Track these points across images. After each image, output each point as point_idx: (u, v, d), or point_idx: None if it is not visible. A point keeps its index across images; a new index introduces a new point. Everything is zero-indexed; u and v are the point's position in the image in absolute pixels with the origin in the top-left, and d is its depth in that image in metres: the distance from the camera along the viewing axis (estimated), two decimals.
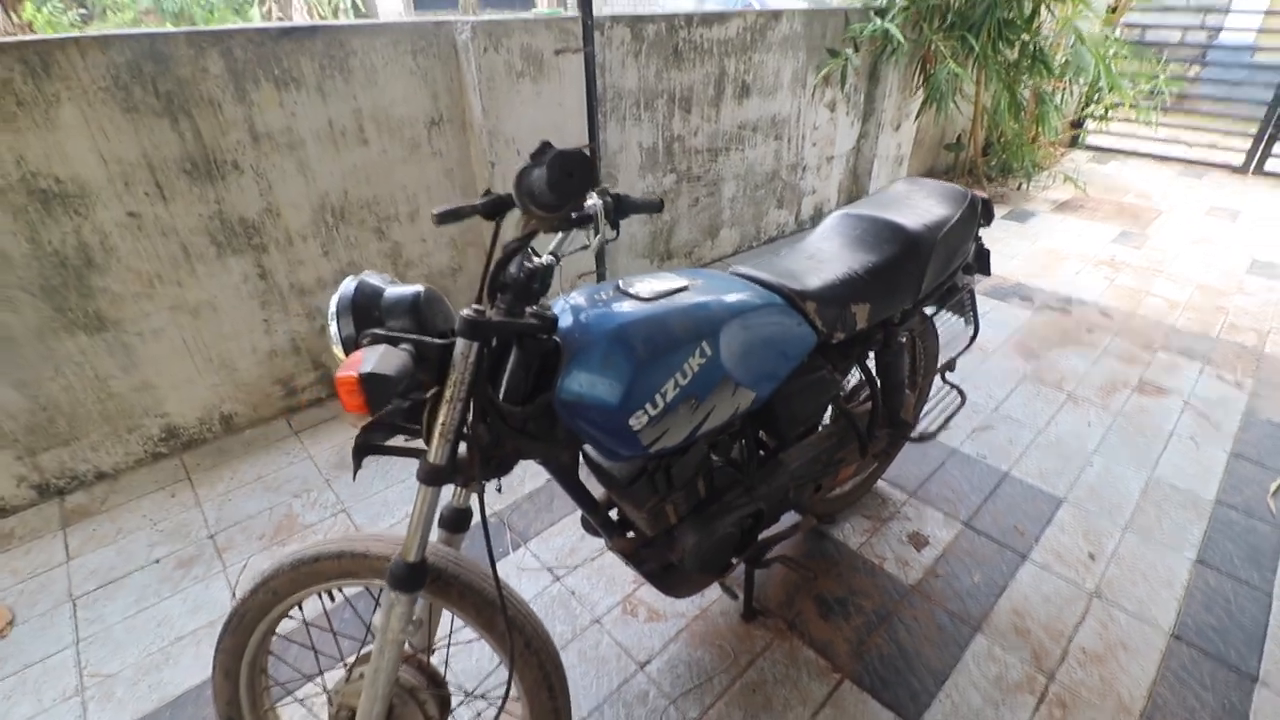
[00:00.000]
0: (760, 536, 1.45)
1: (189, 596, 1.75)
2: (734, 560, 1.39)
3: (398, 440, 0.95)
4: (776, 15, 3.36)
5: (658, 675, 1.52)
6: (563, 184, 0.77)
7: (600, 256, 2.98)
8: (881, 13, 3.76)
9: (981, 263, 1.67)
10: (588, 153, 0.91)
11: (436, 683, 1.13)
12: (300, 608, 1.12)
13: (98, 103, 1.77)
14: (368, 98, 2.20)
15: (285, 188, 2.16)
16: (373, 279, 0.97)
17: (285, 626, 1.51)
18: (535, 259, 0.94)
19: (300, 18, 12.69)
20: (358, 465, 0.93)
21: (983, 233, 3.32)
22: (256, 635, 1.11)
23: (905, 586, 1.73)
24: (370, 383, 0.75)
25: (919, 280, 1.42)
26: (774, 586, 1.73)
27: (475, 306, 0.88)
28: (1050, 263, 3.72)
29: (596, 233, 1.13)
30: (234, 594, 1.76)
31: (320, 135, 2.16)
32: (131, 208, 1.92)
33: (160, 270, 2.04)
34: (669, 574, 1.31)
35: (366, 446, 0.93)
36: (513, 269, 0.88)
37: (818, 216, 4.27)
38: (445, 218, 0.90)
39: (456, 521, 1.06)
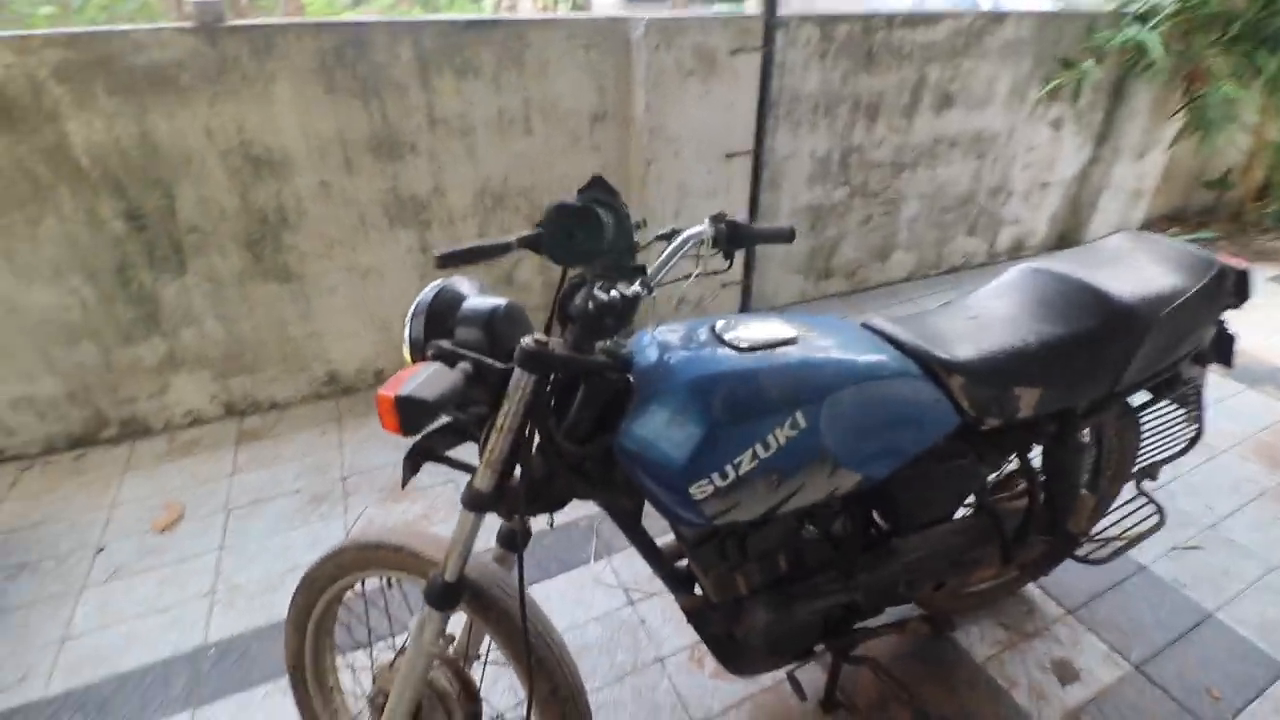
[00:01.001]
0: (855, 625, 1.25)
1: (312, 531, 1.93)
2: (815, 649, 1.21)
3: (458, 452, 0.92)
4: (1000, 18, 2.92)
5: None
6: (563, 246, 0.68)
7: (749, 268, 2.83)
8: (1142, 19, 3.12)
9: (1222, 351, 1.29)
10: (609, 207, 0.80)
11: (470, 693, 1.10)
12: (363, 583, 1.15)
13: (306, 82, 1.98)
14: (538, 89, 2.24)
15: (454, 170, 2.28)
16: (460, 286, 0.93)
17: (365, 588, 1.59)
18: (614, 291, 0.84)
19: (528, 9, 13.74)
20: (410, 473, 0.90)
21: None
22: (324, 600, 1.15)
23: None
24: (406, 406, 0.71)
25: (1120, 366, 1.11)
26: (866, 679, 1.50)
27: (538, 337, 0.81)
28: None
29: (698, 268, 1.01)
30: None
31: (490, 123, 2.24)
32: (324, 177, 2.14)
33: (340, 235, 2.25)
34: (732, 646, 1.17)
35: (423, 453, 0.90)
36: (579, 300, 0.80)
37: (1017, 250, 3.71)
38: (451, 260, 0.79)
39: (511, 539, 1.02)
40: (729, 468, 0.83)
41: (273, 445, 2.33)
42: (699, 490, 0.83)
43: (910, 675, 1.52)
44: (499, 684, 1.49)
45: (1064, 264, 1.20)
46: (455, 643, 1.11)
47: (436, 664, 1.05)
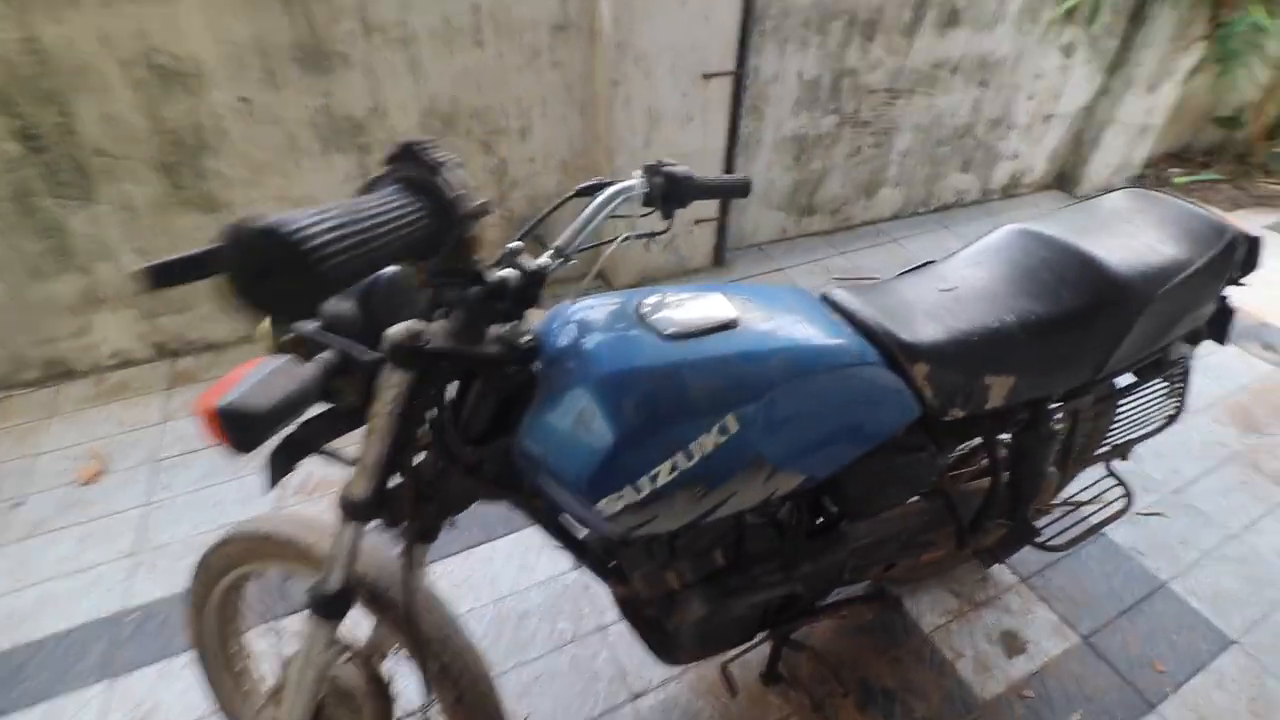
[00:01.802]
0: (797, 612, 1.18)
1: (243, 486, 1.83)
2: (752, 638, 1.15)
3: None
4: None
5: (647, 713, 1.35)
6: (253, 291, 0.43)
7: (725, 205, 2.63)
8: None
9: (1218, 329, 1.17)
10: (303, 237, 0.43)
11: (380, 690, 1.03)
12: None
13: None
14: None
15: (394, 87, 2.03)
16: None
17: None
18: (509, 268, 0.69)
19: None
20: (278, 473, 0.78)
21: None
22: (220, 589, 1.06)
23: (976, 700, 1.40)
24: (233, 421, 0.57)
25: (1109, 349, 0.99)
26: (808, 651, 1.47)
27: (412, 324, 0.66)
28: None
29: (629, 230, 0.86)
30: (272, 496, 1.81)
31: (434, 32, 1.98)
32: (243, 93, 1.89)
33: (269, 160, 2.03)
34: (664, 638, 1.10)
35: (297, 448, 0.77)
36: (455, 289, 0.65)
37: (1012, 187, 3.51)
38: (162, 276, 0.54)
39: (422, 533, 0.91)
40: (644, 480, 0.71)
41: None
42: (608, 505, 0.72)
43: (856, 647, 1.49)
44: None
45: (1056, 226, 1.06)
46: (369, 636, 1.03)
47: (344, 660, 0.97)
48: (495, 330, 0.70)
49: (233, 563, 1.01)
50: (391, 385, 0.67)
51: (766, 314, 0.83)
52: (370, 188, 0.55)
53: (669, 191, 0.88)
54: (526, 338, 0.72)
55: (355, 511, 0.74)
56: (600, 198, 0.84)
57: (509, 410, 0.76)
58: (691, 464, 0.72)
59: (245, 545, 0.98)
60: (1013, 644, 1.51)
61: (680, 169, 0.88)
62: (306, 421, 0.78)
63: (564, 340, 0.76)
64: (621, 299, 0.83)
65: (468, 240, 0.59)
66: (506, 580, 1.59)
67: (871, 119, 2.84)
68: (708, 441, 0.72)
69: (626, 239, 0.89)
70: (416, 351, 0.65)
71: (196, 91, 1.85)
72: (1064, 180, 3.62)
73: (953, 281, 1.03)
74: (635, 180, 0.87)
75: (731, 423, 0.73)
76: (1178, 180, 3.64)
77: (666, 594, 1.02)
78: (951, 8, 2.68)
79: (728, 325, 0.78)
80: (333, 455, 0.80)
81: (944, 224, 3.25)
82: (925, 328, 0.92)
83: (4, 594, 1.56)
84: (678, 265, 2.74)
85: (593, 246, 0.86)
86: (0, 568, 1.64)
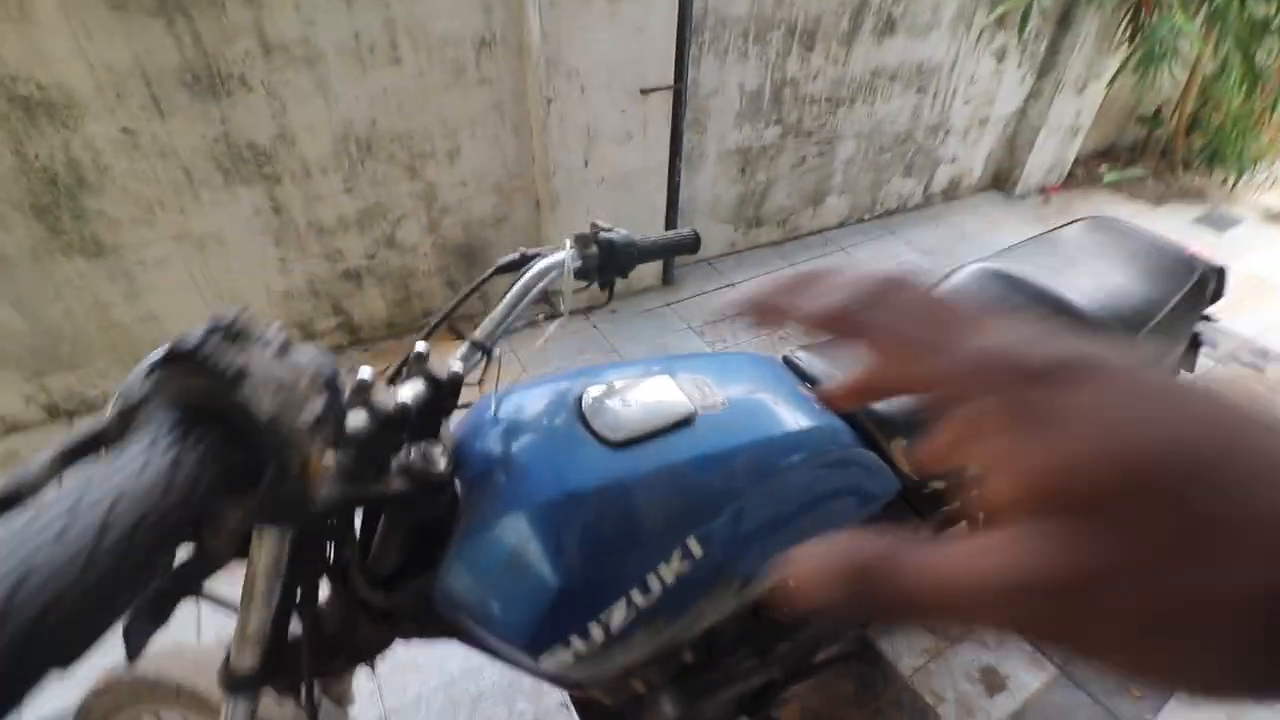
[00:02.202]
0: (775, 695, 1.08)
1: None
2: None
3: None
4: None
5: None
6: None
7: (671, 220, 2.53)
8: None
9: (1189, 360, 1.13)
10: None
11: None
12: None
13: None
14: (402, 6, 1.80)
15: (302, 110, 1.84)
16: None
17: None
18: (413, 379, 0.56)
19: None
20: (137, 644, 0.62)
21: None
22: None
23: None
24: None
25: None
26: (791, 712, 1.38)
27: None
28: (1249, 294, 2.89)
29: (563, 307, 0.73)
30: None
31: (343, 50, 1.80)
32: (125, 123, 1.67)
33: (160, 196, 1.81)
34: None
35: (153, 614, 0.61)
36: (355, 418, 0.50)
37: (952, 190, 3.54)
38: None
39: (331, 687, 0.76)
40: (594, 626, 0.59)
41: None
42: (554, 659, 0.59)
43: (836, 698, 1.41)
44: None
45: (1022, 263, 0.99)
46: None
47: None
48: (400, 459, 0.57)
49: (119, 706, 0.85)
50: (267, 543, 0.53)
51: (724, 398, 0.72)
52: (117, 432, 0.33)
53: (606, 261, 0.76)
54: (441, 462, 0.58)
55: (238, 684, 0.59)
56: (524, 277, 0.72)
57: (427, 540, 0.63)
58: (651, 598, 0.61)
59: (128, 690, 0.82)
60: (993, 681, 1.45)
61: (619, 234, 0.76)
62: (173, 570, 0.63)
63: (492, 448, 0.63)
64: (558, 387, 0.70)
65: (303, 467, 0.37)
66: (456, 661, 1.44)
67: (814, 128, 2.79)
68: (667, 571, 0.61)
69: (556, 319, 0.76)
70: (302, 504, 0.51)
71: (70, 124, 1.62)
72: (1000, 181, 3.67)
73: None
74: (565, 253, 0.74)
75: (694, 545, 0.62)
76: (1108, 178, 3.75)
77: (633, 700, 0.90)
78: (888, 15, 2.65)
79: (683, 422, 0.67)
80: (215, 600, 0.65)
81: (890, 229, 3.24)
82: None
83: None
84: (624, 286, 2.62)
85: (522, 326, 0.73)
86: None
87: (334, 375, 0.39)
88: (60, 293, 1.84)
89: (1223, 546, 0.14)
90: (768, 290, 0.24)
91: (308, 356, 0.37)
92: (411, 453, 0.57)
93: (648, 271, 2.63)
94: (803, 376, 0.84)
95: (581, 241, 0.75)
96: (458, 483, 0.62)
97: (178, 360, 0.32)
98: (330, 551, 0.60)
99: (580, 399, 0.67)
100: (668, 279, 2.73)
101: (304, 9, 1.70)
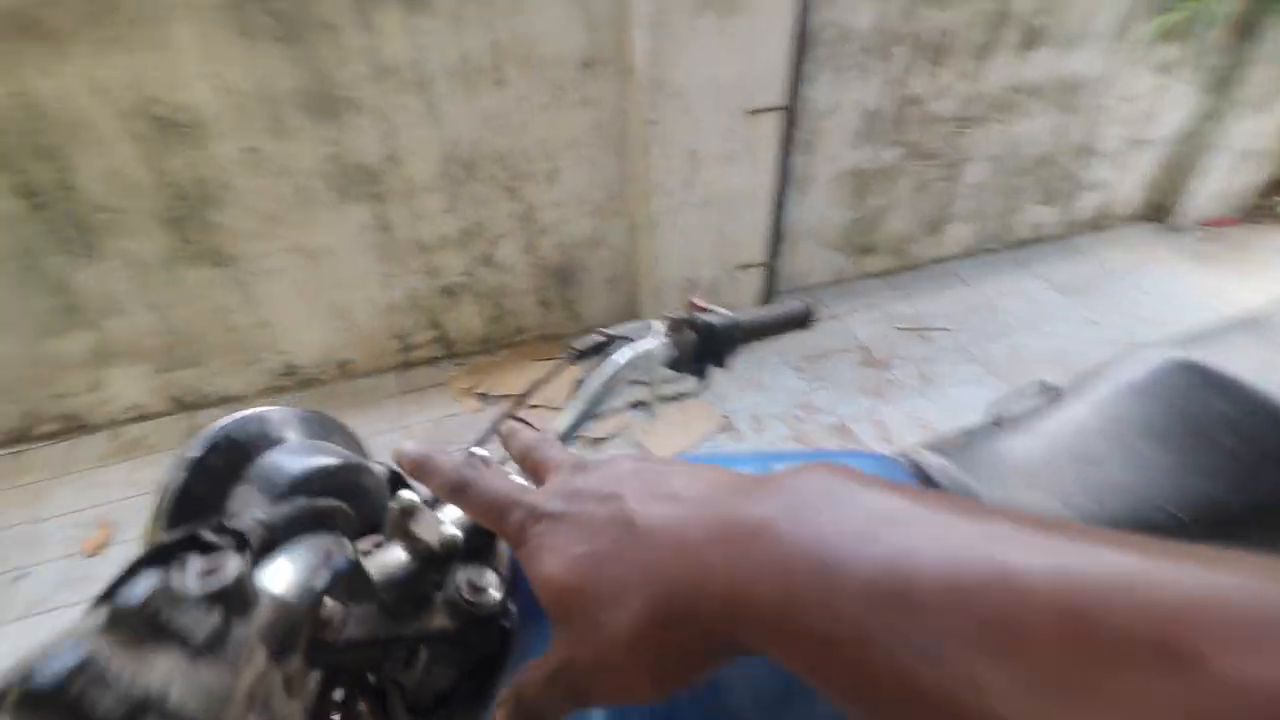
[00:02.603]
0: None
1: None
2: None
3: None
4: None
5: None
6: None
7: (776, 247, 2.38)
8: None
9: None
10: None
11: None
12: None
13: (211, 24, 1.57)
14: (509, 29, 1.79)
15: (410, 132, 1.87)
16: (278, 422, 0.56)
17: None
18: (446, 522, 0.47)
19: None
20: None
21: None
22: None
23: None
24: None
25: None
26: None
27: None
28: None
29: (651, 395, 0.63)
30: None
31: (452, 73, 1.81)
32: (249, 143, 1.76)
33: (279, 211, 1.90)
34: None
35: None
36: (377, 567, 0.42)
37: (1098, 220, 3.14)
38: None
39: None
40: None
41: None
42: None
43: None
44: None
45: (1234, 356, 0.76)
46: None
47: None
48: (446, 590, 0.48)
49: None
50: (297, 683, 0.46)
51: None
52: None
53: (704, 349, 0.64)
54: (493, 593, 0.49)
55: None
56: (605, 371, 0.60)
57: (476, 670, 0.54)
58: None
59: None
60: None
61: (719, 316, 0.64)
62: None
63: None
64: None
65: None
66: None
67: (939, 150, 2.55)
68: None
69: (644, 409, 0.65)
70: (323, 647, 0.43)
71: (199, 143, 1.72)
72: (1156, 211, 3.22)
73: (1088, 445, 0.75)
74: (655, 341, 0.62)
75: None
76: None
77: None
78: (1031, 27, 2.37)
79: None
80: None
81: (1021, 262, 2.91)
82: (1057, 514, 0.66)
83: None
84: None
85: (611, 411, 0.63)
86: (2, 649, 1.53)
87: (341, 573, 0.31)
88: (187, 297, 1.97)
89: (606, 636, 0.23)
90: (424, 454, 0.33)
91: (286, 583, 0.28)
92: (459, 580, 0.48)
93: (743, 298, 2.49)
94: (928, 484, 0.69)
95: (675, 326, 0.62)
96: (513, 609, 0.54)
97: (32, 708, 0.19)
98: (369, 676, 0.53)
99: None
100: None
101: (415, 33, 1.72)
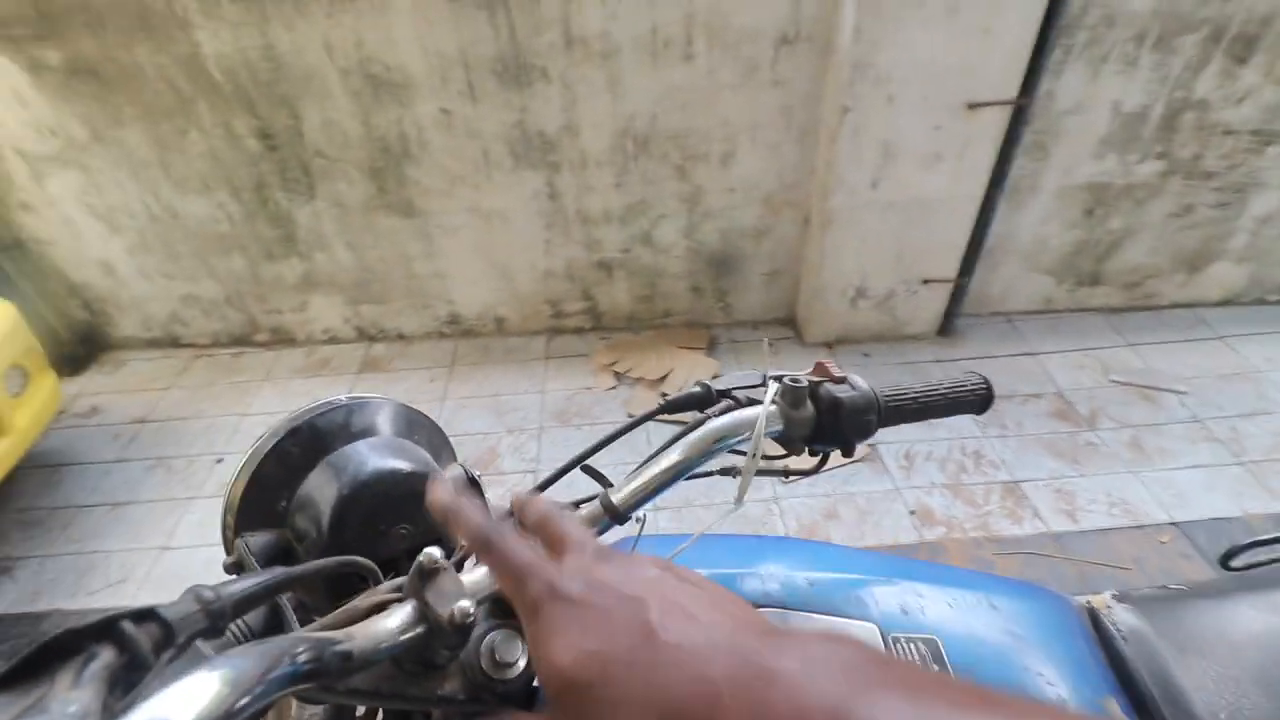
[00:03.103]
0: None
1: None
2: None
3: None
4: None
5: None
6: None
7: (970, 260, 2.06)
8: None
9: None
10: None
11: None
12: None
13: None
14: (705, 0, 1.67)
15: (590, 104, 1.85)
16: (372, 411, 0.54)
17: None
18: None
19: None
20: None
21: None
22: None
23: None
24: None
25: None
26: None
27: (321, 638, 0.41)
28: None
29: (751, 462, 0.50)
30: None
31: (639, 44, 1.75)
32: (445, 104, 1.85)
33: (463, 171, 1.99)
34: None
35: None
36: (398, 616, 0.37)
37: None
38: None
39: None
40: None
41: (386, 380, 2.29)
42: None
43: None
44: None
45: None
46: None
47: None
48: (465, 654, 0.42)
49: None
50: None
51: (980, 683, 0.44)
52: None
53: (827, 428, 0.49)
54: (519, 662, 0.42)
55: None
56: (697, 437, 0.48)
57: None
58: None
59: None
60: None
61: (854, 390, 0.49)
62: None
63: None
64: (724, 565, 0.50)
65: None
66: None
67: (1220, 168, 2.01)
68: None
69: (737, 480, 0.53)
70: (326, 689, 0.39)
71: (405, 102, 1.85)
72: None
73: None
74: (762, 409, 0.48)
75: None
76: None
77: None
78: None
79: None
80: None
81: None
82: None
83: (184, 548, 1.75)
84: (890, 327, 2.24)
85: (704, 474, 0.53)
86: (189, 522, 1.83)
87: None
88: (379, 241, 2.16)
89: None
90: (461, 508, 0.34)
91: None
92: (484, 647, 0.42)
93: (920, 316, 2.20)
94: (1106, 645, 0.50)
95: (791, 396, 0.49)
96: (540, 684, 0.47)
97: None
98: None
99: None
100: (946, 328, 2.26)
101: (610, 2, 1.67)
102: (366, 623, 0.35)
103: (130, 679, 0.26)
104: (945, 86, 1.71)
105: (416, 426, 0.59)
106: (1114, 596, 0.54)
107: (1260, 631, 0.51)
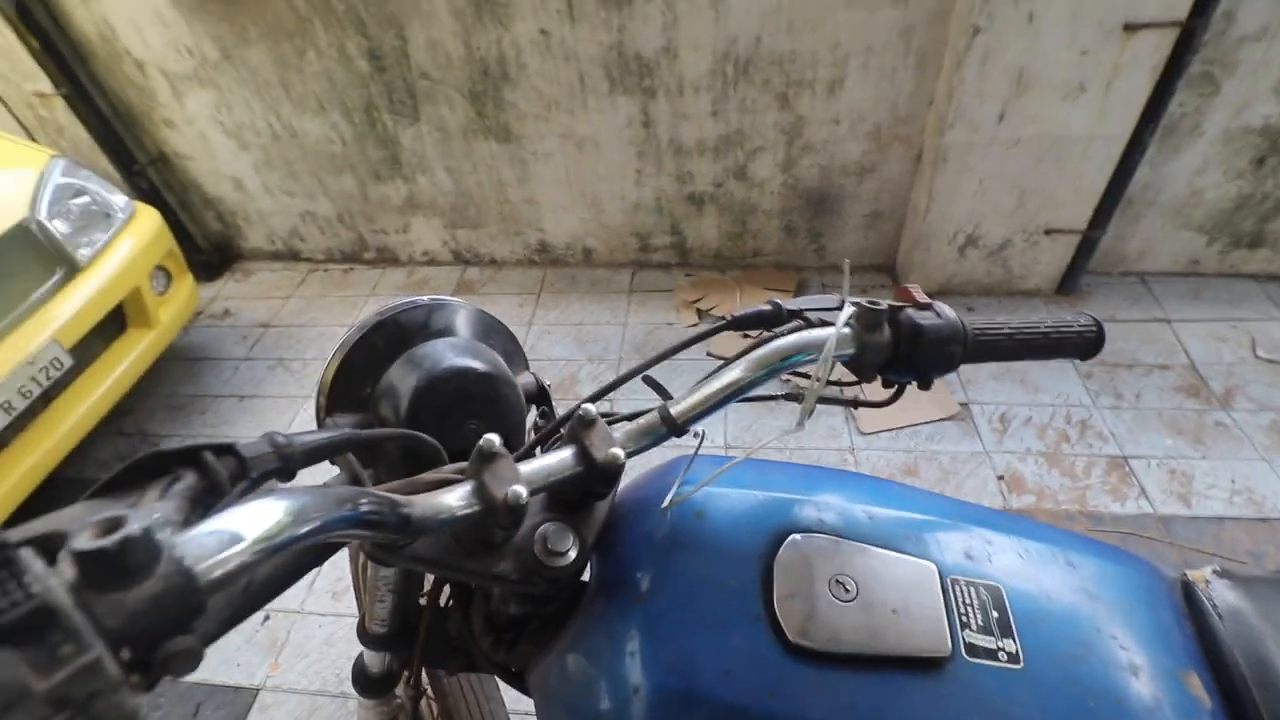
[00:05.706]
0: None
1: None
2: None
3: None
4: None
5: None
6: None
7: (1105, 210, 1.85)
8: None
9: None
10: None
11: None
12: None
13: None
14: None
15: (691, 23, 1.76)
16: (450, 313, 0.57)
17: None
18: (576, 443, 0.43)
19: None
20: None
21: None
22: None
23: None
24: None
25: None
26: None
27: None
28: None
29: (815, 386, 0.48)
30: None
31: None
32: (544, 24, 1.82)
33: (558, 96, 1.97)
34: None
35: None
36: (457, 496, 0.39)
37: None
38: None
39: (372, 684, 0.73)
40: None
41: (477, 303, 2.38)
42: None
43: None
44: None
45: None
46: None
47: None
48: (520, 538, 0.45)
49: None
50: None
51: (1020, 647, 0.41)
52: None
53: (905, 355, 0.46)
54: (569, 554, 0.44)
55: (368, 642, 0.61)
56: (762, 355, 0.46)
57: (548, 614, 0.52)
58: None
59: None
60: None
61: (939, 317, 0.45)
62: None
63: (643, 559, 0.47)
64: (763, 504, 0.49)
65: None
66: None
67: None
68: None
69: (798, 405, 0.51)
70: (392, 551, 0.43)
71: (505, 22, 1.83)
72: None
73: None
74: (835, 329, 0.45)
75: None
76: None
77: None
78: None
79: (926, 664, 0.40)
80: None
81: None
82: None
83: None
84: (1002, 281, 2.07)
85: (760, 398, 0.52)
86: (302, 418, 2.03)
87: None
88: (476, 166, 2.21)
89: None
90: None
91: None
92: (537, 535, 0.45)
93: (1038, 270, 2.01)
94: (1198, 620, 0.46)
95: (868, 319, 0.46)
96: (590, 574, 0.49)
97: None
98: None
99: (781, 541, 0.45)
100: (1067, 285, 2.06)
101: None
102: (429, 495, 0.38)
103: (208, 501, 0.29)
104: (1099, 2, 1.49)
105: (492, 332, 0.61)
106: (1215, 572, 0.48)
107: None
